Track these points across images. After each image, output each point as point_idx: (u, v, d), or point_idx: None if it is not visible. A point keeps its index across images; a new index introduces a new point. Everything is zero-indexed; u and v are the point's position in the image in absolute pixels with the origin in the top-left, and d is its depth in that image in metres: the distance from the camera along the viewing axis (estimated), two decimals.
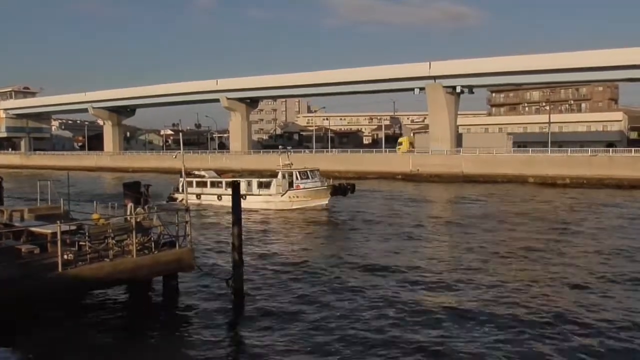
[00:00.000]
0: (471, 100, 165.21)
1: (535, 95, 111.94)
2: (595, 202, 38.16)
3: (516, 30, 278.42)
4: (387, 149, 74.19)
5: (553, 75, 63.56)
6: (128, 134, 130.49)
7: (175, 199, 37.27)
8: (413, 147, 76.93)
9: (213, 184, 38.79)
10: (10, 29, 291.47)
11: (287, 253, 21.75)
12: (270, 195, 36.10)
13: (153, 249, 14.29)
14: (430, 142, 68.91)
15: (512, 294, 15.23)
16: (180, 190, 36.17)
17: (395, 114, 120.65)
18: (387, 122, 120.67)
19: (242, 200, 34.22)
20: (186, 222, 14.89)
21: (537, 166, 55.98)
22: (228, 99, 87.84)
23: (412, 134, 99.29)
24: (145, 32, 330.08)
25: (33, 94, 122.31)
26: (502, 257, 20.44)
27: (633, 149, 55.40)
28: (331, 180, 38.68)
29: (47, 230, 14.52)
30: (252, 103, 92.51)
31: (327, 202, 35.82)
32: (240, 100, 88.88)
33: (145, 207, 15.79)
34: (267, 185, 36.66)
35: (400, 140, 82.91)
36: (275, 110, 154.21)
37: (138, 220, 14.20)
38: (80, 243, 13.80)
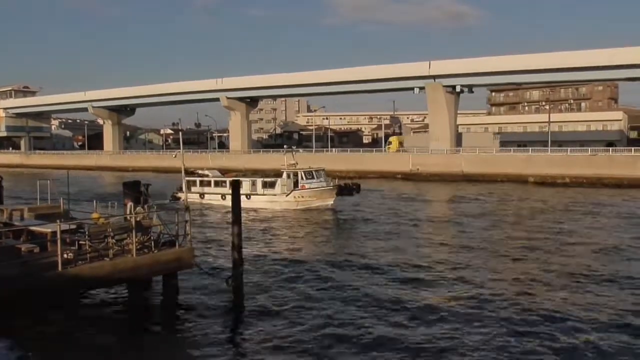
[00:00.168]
0: (471, 99, 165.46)
1: (535, 94, 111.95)
2: (593, 202, 38.17)
3: (516, 30, 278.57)
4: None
5: (553, 74, 63.54)
6: (128, 133, 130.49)
7: (179, 198, 37.21)
8: (402, 147, 77.28)
9: (217, 184, 38.54)
10: (10, 28, 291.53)
11: (287, 252, 21.76)
12: (275, 195, 35.82)
13: (153, 248, 14.28)
14: (430, 141, 68.92)
15: (507, 292, 15.27)
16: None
17: (395, 113, 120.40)
18: (387, 122, 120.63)
19: (246, 200, 34.79)
20: (186, 221, 14.90)
21: (537, 165, 55.98)
22: (228, 98, 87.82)
23: (411, 133, 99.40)
24: (145, 31, 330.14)
25: (33, 93, 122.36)
26: (499, 256, 20.48)
27: (633, 148, 55.43)
28: (336, 180, 38.55)
29: (47, 229, 14.52)
30: (252, 102, 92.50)
31: (332, 202, 35.61)
32: (240, 99, 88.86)
33: (145, 206, 15.78)
34: (271, 185, 36.38)
35: (390, 139, 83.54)
36: (275, 109, 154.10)
37: (138, 219, 14.20)
38: (80, 242, 13.80)
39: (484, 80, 69.25)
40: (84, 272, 12.65)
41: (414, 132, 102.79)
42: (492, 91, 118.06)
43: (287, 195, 35.49)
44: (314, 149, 79.82)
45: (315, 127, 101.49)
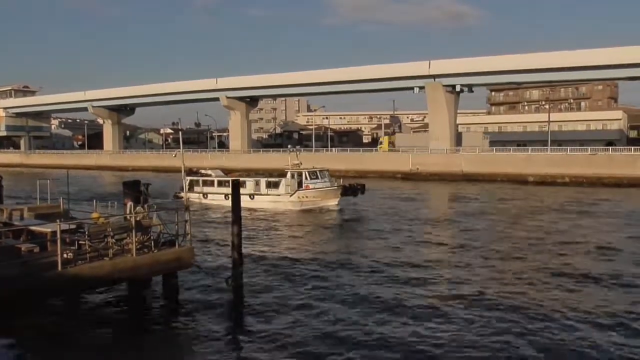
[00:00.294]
0: (471, 99, 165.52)
1: (535, 94, 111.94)
2: (590, 201, 38.17)
3: (516, 30, 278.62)
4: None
5: (552, 74, 63.57)
6: (128, 132, 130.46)
7: (181, 198, 37.20)
8: (393, 146, 77.46)
9: (220, 183, 38.23)
10: (10, 28, 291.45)
11: (288, 252, 21.75)
12: (279, 195, 35.58)
13: (153, 248, 14.28)
14: (430, 140, 68.93)
15: (507, 292, 15.27)
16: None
17: (395, 112, 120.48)
18: (387, 121, 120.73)
19: (250, 200, 34.67)
20: (186, 220, 14.89)
21: (537, 165, 55.99)
22: (228, 97, 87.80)
23: (411, 132, 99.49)
24: (145, 31, 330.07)
25: (33, 93, 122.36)
26: (499, 256, 20.50)
27: (632, 147, 55.43)
28: (341, 180, 38.41)
29: (46, 229, 14.51)
30: (251, 102, 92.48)
31: (337, 202, 35.42)
32: (240, 99, 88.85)
33: (145, 205, 15.77)
34: (275, 185, 36.12)
35: (380, 139, 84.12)
36: (274, 109, 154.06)
37: (138, 219, 14.20)
38: (80, 242, 13.79)
39: (483, 79, 69.28)
40: (84, 272, 12.64)
41: (413, 132, 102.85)
42: (491, 91, 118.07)
43: (291, 196, 35.26)
44: (313, 149, 79.84)
45: (315, 126, 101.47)
